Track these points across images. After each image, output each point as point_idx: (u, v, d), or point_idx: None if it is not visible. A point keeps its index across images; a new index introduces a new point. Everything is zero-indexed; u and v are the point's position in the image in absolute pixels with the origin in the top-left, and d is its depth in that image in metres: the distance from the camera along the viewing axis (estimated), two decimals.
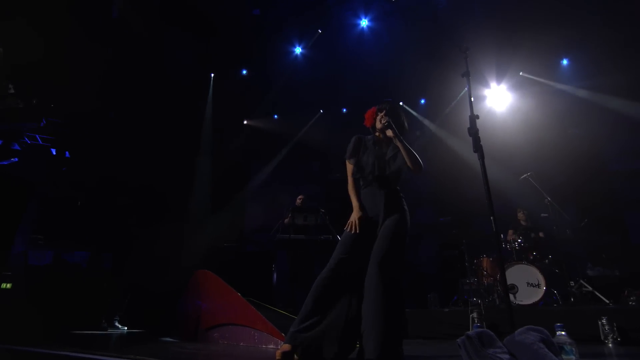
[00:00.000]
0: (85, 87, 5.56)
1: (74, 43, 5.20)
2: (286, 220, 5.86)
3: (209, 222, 6.60)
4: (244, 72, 7.63)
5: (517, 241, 5.12)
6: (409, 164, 2.29)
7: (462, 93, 7.34)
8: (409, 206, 2.37)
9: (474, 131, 2.27)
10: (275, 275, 6.03)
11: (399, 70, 7.18)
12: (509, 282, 4.63)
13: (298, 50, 7.46)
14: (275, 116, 8.37)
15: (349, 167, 2.47)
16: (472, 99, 2.46)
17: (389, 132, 2.34)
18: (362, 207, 2.34)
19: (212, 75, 7.48)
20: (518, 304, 4.41)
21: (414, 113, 7.91)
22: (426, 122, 7.96)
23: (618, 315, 3.32)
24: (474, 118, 2.32)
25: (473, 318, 3.58)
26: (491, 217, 2.14)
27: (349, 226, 2.31)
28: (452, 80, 6.65)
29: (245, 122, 8.37)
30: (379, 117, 2.44)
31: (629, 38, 6.23)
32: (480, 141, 2.26)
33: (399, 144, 2.31)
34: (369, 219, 2.31)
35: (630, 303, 4.14)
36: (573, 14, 6.07)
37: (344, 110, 8.46)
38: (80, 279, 5.13)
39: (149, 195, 6.33)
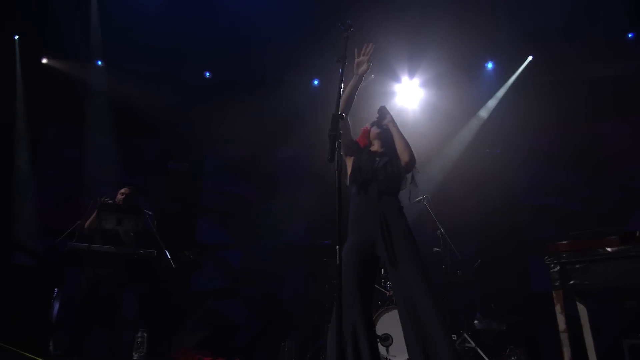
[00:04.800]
0: None
1: None
2: (88, 222, 5.42)
3: None
4: None
5: None
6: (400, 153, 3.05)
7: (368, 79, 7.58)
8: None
9: (332, 134, 2.27)
10: (57, 305, 5.43)
11: (291, 42, 7.17)
12: (382, 331, 4.82)
13: None
14: (99, 62, 7.62)
15: None
16: (343, 87, 2.52)
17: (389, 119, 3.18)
18: None
19: None
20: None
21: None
22: None
23: None
24: (337, 117, 2.34)
25: None
26: (337, 247, 2.13)
27: None
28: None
29: (44, 60, 7.46)
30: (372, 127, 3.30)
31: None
32: (337, 148, 2.26)
33: (393, 129, 3.12)
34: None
35: None
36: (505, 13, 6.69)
37: (207, 74, 8.13)
38: None
39: None
